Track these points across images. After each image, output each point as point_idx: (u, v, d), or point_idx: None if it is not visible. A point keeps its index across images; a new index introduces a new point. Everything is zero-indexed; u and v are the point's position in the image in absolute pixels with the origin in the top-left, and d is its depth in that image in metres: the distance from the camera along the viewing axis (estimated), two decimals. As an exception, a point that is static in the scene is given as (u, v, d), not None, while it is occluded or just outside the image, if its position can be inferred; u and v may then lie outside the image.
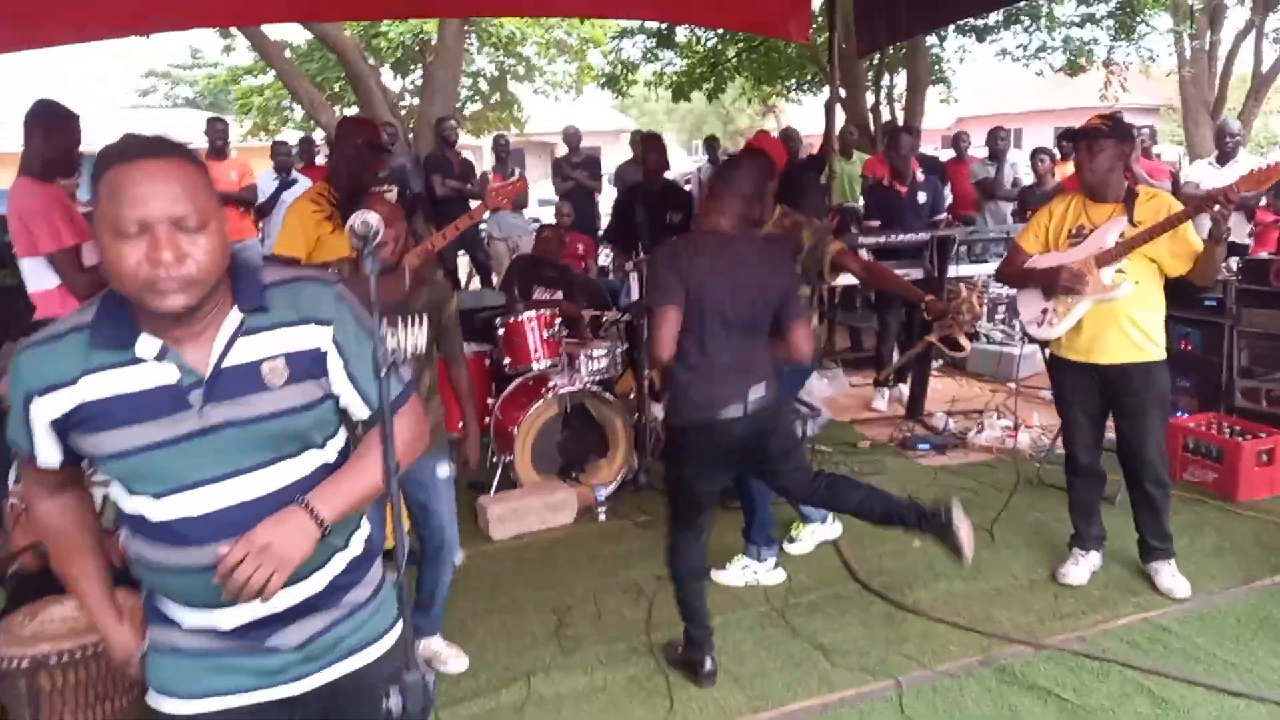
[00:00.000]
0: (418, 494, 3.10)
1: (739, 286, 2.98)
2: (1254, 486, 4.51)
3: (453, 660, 3.33)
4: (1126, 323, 3.51)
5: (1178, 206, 3.46)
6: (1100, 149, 3.49)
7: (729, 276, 2.97)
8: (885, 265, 4.05)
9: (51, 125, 3.58)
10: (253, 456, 1.48)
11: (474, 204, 8.13)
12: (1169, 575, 3.70)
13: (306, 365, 1.51)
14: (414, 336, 3.06)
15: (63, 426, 1.45)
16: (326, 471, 1.57)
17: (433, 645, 3.38)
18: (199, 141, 7.68)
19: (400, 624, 1.62)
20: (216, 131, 7.51)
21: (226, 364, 1.46)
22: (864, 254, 6.01)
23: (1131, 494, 3.76)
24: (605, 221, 10.41)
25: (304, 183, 7.66)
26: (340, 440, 1.63)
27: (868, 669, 3.21)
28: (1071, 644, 3.33)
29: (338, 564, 1.61)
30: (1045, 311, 3.69)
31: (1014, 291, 3.93)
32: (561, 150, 9.37)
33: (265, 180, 7.70)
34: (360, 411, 1.60)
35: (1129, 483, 3.75)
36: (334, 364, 1.54)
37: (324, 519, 1.49)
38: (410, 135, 9.04)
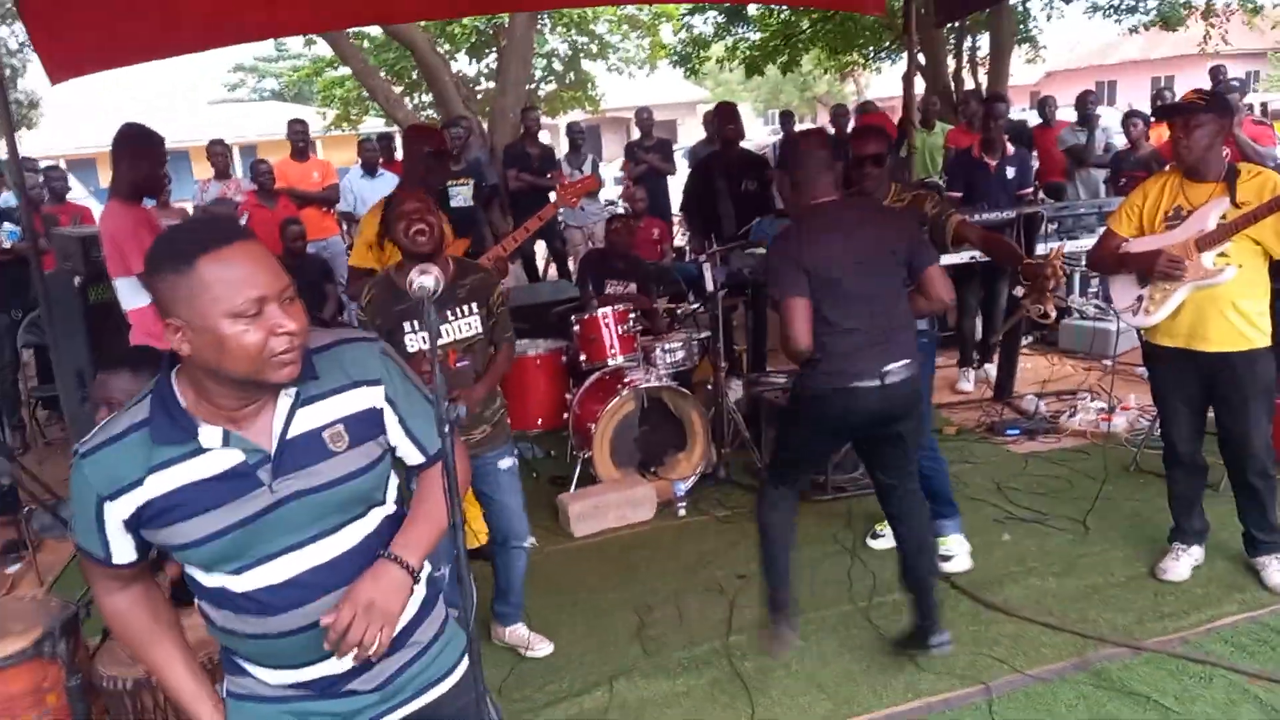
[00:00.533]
0: (482, 485, 3.29)
1: (859, 251, 2.95)
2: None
3: (539, 645, 3.46)
4: (1229, 309, 3.32)
5: None
6: (1197, 124, 3.28)
7: (846, 246, 2.94)
8: (1002, 235, 3.90)
9: (137, 149, 3.70)
10: (326, 521, 1.53)
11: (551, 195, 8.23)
12: (1276, 571, 3.52)
13: (365, 427, 1.56)
14: (462, 325, 3.15)
15: (135, 524, 1.49)
16: (391, 522, 1.63)
17: (518, 632, 3.49)
18: (280, 136, 7.89)
19: (464, 662, 1.72)
20: (297, 133, 7.69)
21: (290, 435, 1.50)
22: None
23: (1235, 486, 3.58)
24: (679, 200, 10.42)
25: (386, 176, 7.82)
26: (395, 488, 1.67)
27: (956, 673, 3.14)
28: (1173, 646, 3.20)
29: (410, 608, 1.64)
30: (1141, 299, 3.51)
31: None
32: (636, 132, 9.31)
33: (354, 177, 7.86)
34: (415, 459, 1.67)
35: (1231, 475, 3.57)
36: (390, 420, 1.60)
37: (414, 567, 1.56)
38: (485, 126, 9.09)
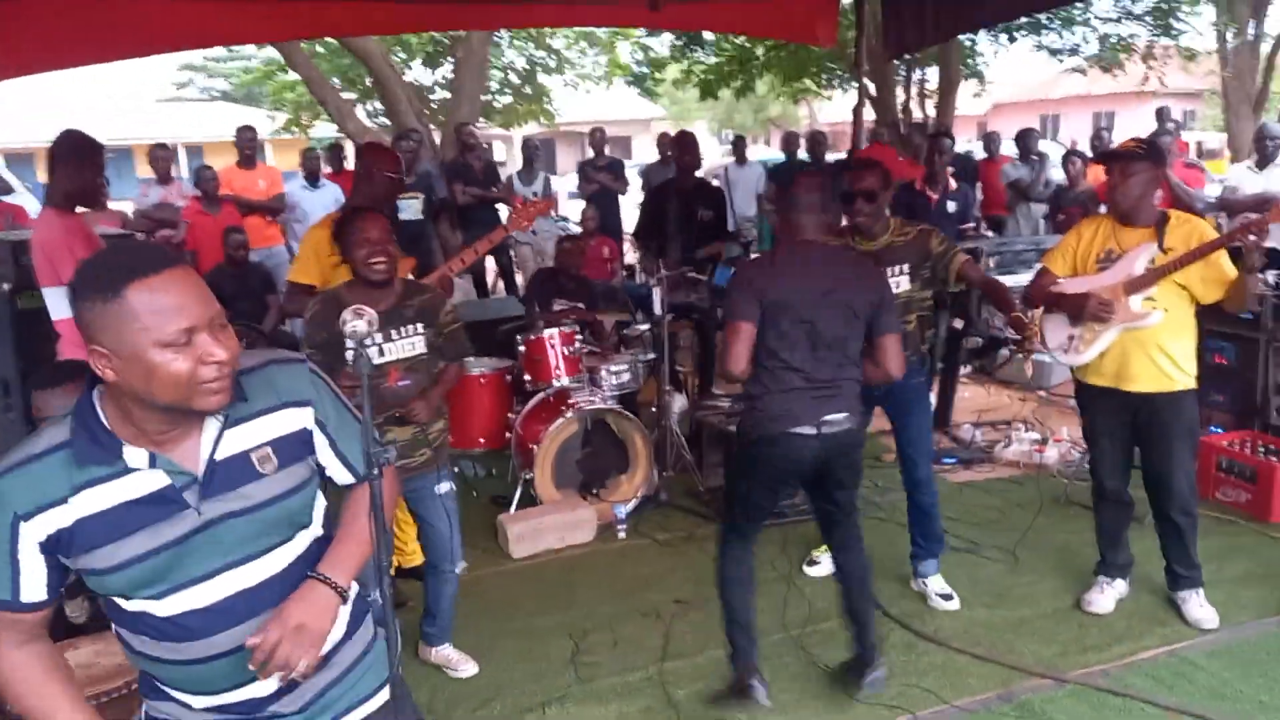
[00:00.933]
0: (417, 508, 3.30)
1: (821, 297, 2.96)
2: (1289, 508, 4.40)
3: (463, 666, 3.47)
4: (1155, 351, 3.43)
5: (1210, 234, 3.39)
6: (1134, 172, 3.40)
7: (809, 287, 2.96)
8: (1000, 283, 3.98)
9: (75, 158, 3.62)
10: (254, 544, 1.51)
11: (501, 208, 8.19)
12: (1196, 605, 3.63)
13: (293, 448, 1.56)
14: (405, 345, 3.16)
15: (54, 548, 1.43)
16: (318, 544, 1.63)
17: (443, 652, 3.50)
18: (229, 137, 7.77)
19: (385, 690, 1.72)
20: (245, 140, 7.57)
21: (219, 457, 1.48)
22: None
23: (1158, 522, 3.69)
24: (633, 221, 10.47)
25: (329, 187, 7.73)
26: (321, 511, 1.66)
27: (886, 702, 3.18)
28: (1095, 679, 3.28)
29: (336, 629, 1.63)
30: (1072, 338, 3.61)
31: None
32: (591, 152, 9.34)
33: (294, 185, 7.76)
34: (345, 479, 1.68)
35: (1155, 511, 3.68)
36: (320, 441, 1.61)
37: (342, 588, 1.56)
38: (438, 139, 9.05)
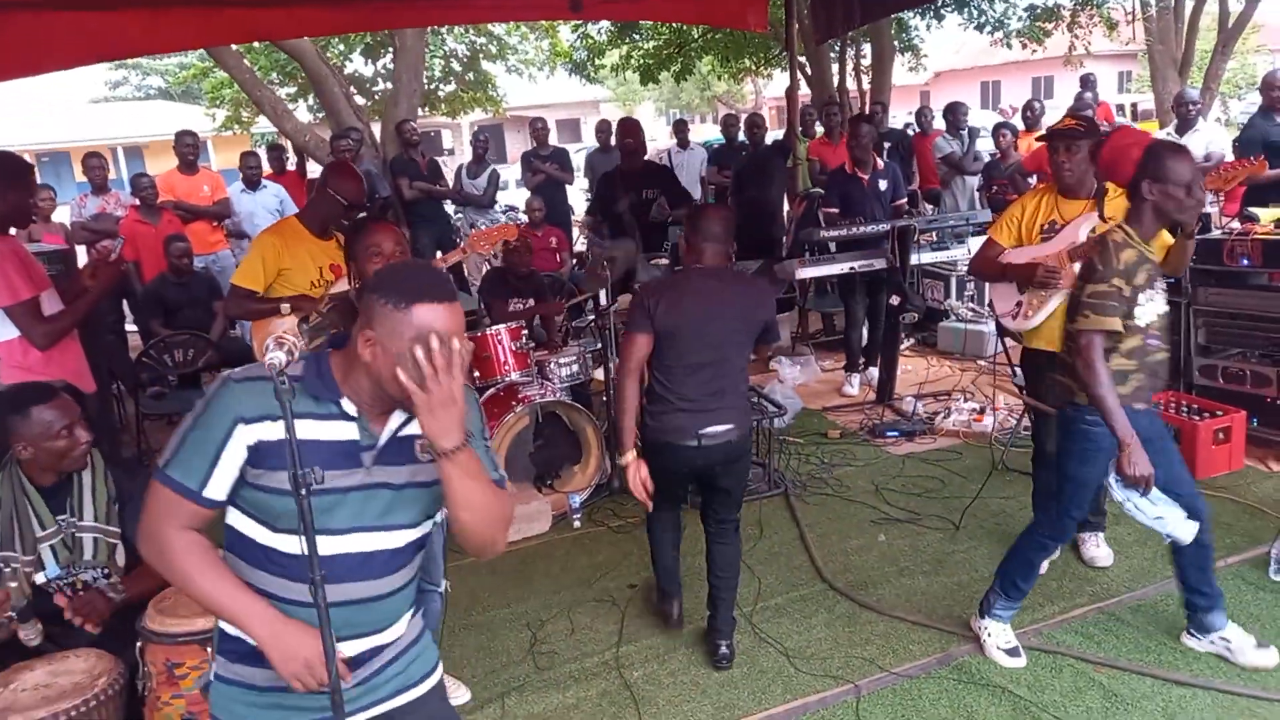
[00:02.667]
0: None
1: (708, 319, 3.22)
2: (1211, 465, 4.62)
3: (457, 692, 3.33)
4: None
5: None
6: (1077, 150, 3.62)
7: (697, 310, 3.22)
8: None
9: (4, 180, 3.59)
10: (387, 517, 1.73)
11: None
12: (1093, 545, 3.92)
13: None
14: None
15: (254, 456, 1.64)
16: (415, 549, 1.82)
17: None
18: (170, 136, 7.67)
19: (439, 666, 1.94)
20: (186, 145, 7.48)
21: (400, 434, 1.72)
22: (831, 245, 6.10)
23: None
24: (578, 210, 10.51)
25: (269, 188, 7.69)
26: (429, 522, 1.84)
27: (830, 673, 3.32)
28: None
29: (400, 608, 1.84)
30: (1020, 304, 3.83)
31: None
32: (532, 143, 9.35)
33: (234, 191, 7.71)
34: None
35: None
36: None
37: (459, 446, 1.63)
38: (379, 136, 9.00)
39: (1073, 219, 3.67)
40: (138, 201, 6.98)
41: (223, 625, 1.77)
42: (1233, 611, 3.40)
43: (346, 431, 1.68)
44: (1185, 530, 3.03)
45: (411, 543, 1.79)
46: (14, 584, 2.44)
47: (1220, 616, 3.27)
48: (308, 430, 1.64)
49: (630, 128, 6.47)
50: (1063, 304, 3.61)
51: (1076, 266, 3.59)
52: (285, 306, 3.67)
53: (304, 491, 1.46)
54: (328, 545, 1.66)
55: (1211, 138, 6.83)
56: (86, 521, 2.69)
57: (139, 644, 2.49)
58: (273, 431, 1.63)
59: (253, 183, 7.62)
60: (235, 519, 1.72)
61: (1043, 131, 3.90)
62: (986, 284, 4.71)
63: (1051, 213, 3.74)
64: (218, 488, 1.66)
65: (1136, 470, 2.92)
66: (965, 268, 6.79)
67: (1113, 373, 2.98)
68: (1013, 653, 3.32)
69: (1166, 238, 3.52)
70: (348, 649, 1.74)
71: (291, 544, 1.67)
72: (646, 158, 7.12)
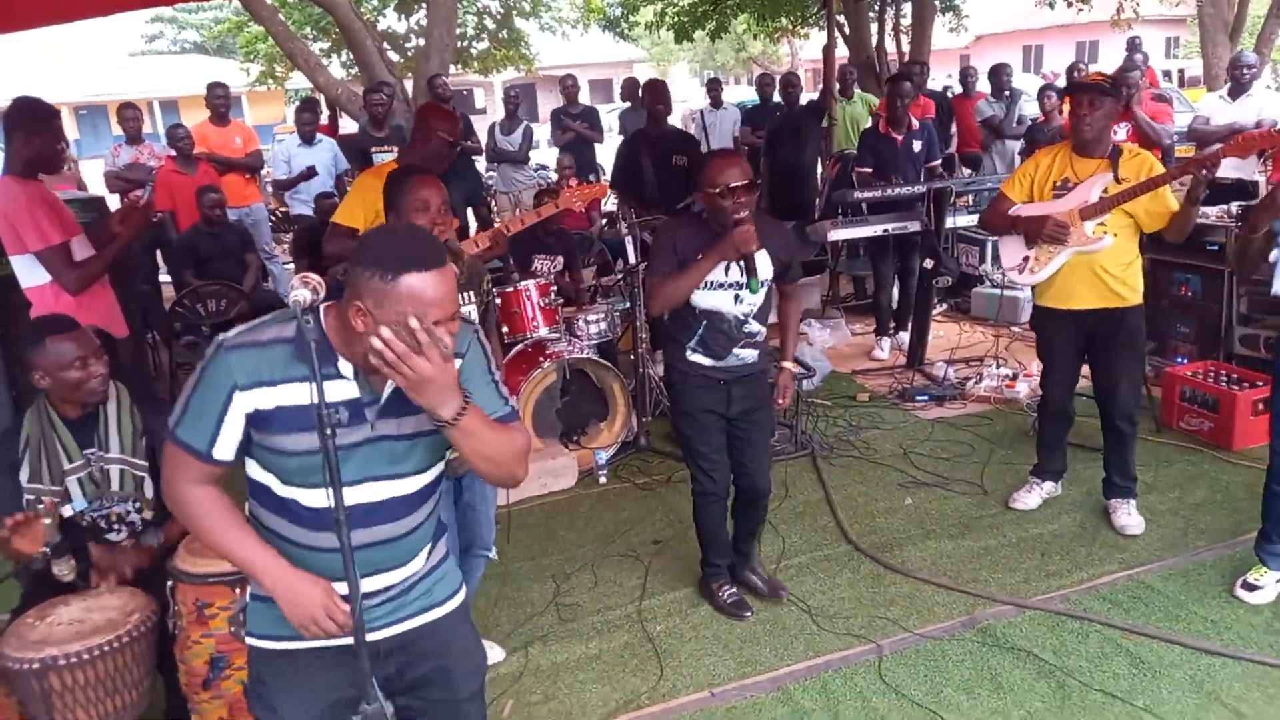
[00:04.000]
0: (465, 492, 3.16)
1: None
2: (1249, 435, 4.52)
3: (491, 652, 3.27)
4: (1103, 272, 3.66)
5: (1158, 168, 3.58)
6: (1100, 105, 3.58)
7: None
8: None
9: (31, 125, 3.61)
10: (395, 466, 1.75)
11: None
12: (1124, 513, 3.88)
13: None
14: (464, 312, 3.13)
15: (252, 421, 1.66)
16: (431, 490, 1.85)
17: None
18: (204, 91, 7.68)
19: (463, 589, 1.98)
20: (218, 98, 7.49)
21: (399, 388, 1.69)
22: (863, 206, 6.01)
23: (1104, 431, 3.93)
24: (608, 170, 10.43)
25: (325, 143, 7.72)
26: (441, 465, 1.87)
27: (853, 632, 3.31)
28: (1054, 604, 3.41)
29: (426, 531, 1.90)
30: (1026, 259, 3.82)
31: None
32: (562, 100, 9.27)
33: (291, 145, 7.73)
34: None
35: (1102, 420, 3.92)
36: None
37: (465, 409, 1.67)
38: (410, 91, 8.95)
39: (1086, 178, 3.64)
40: (173, 152, 7.01)
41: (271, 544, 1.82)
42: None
43: (348, 390, 1.69)
44: None
45: (425, 486, 1.83)
46: (47, 520, 2.47)
47: None
48: (309, 393, 1.64)
49: (658, 91, 6.32)
50: (1070, 260, 3.66)
51: (1087, 226, 3.59)
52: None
53: (329, 432, 1.46)
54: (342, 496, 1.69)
55: (1264, 104, 6.64)
56: (113, 454, 2.72)
57: (170, 583, 2.53)
58: (268, 398, 1.65)
59: (309, 137, 7.63)
60: (253, 470, 1.77)
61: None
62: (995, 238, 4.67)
63: (1065, 170, 3.71)
64: (225, 448, 1.69)
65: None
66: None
67: None
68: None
69: (1172, 203, 3.53)
70: (369, 584, 1.78)
71: (307, 496, 1.72)
72: (679, 118, 7.02)
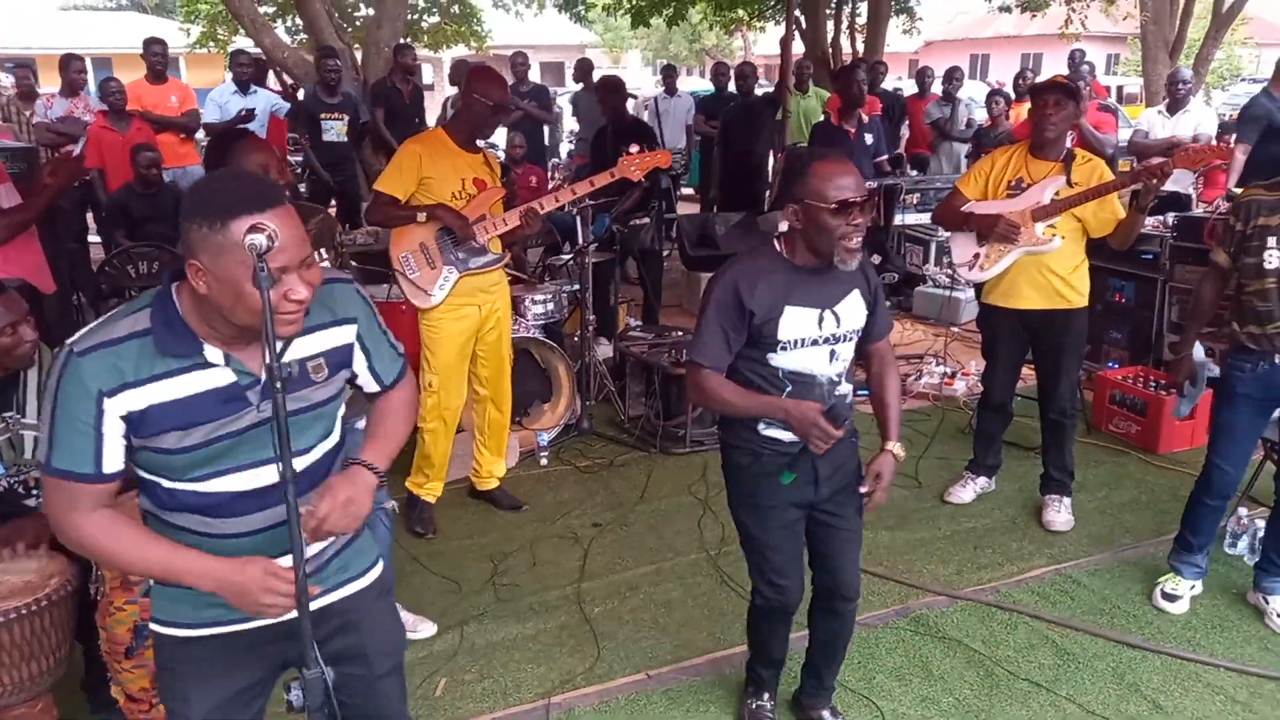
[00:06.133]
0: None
1: None
2: (1175, 439, 4.67)
3: (421, 627, 3.28)
4: (1049, 274, 3.74)
5: (1109, 175, 3.68)
6: (1063, 107, 3.65)
7: None
8: None
9: None
10: (297, 441, 1.63)
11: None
12: (1055, 510, 4.00)
13: (339, 360, 1.73)
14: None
15: (129, 428, 1.54)
16: (335, 450, 1.79)
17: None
18: (139, 47, 7.40)
19: (380, 564, 1.91)
20: (155, 54, 7.21)
21: (283, 363, 1.58)
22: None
23: (1042, 426, 4.04)
24: (561, 149, 10.36)
25: (262, 93, 7.50)
26: (339, 421, 1.80)
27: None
28: (985, 595, 3.48)
29: None
30: (977, 256, 3.90)
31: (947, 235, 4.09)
32: (511, 78, 9.14)
33: (225, 91, 7.48)
34: (372, 388, 1.86)
35: (1041, 415, 4.03)
36: (358, 356, 1.78)
37: (380, 474, 1.75)
38: (360, 59, 8.74)
39: (1040, 179, 3.72)
40: (105, 107, 6.73)
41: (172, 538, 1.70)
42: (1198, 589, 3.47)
43: (222, 377, 1.58)
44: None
45: (325, 454, 1.76)
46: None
47: (1278, 584, 3.35)
48: (179, 388, 1.54)
49: (611, 86, 6.25)
50: (1019, 259, 3.74)
51: (1038, 227, 3.67)
52: (421, 216, 3.67)
53: (278, 385, 1.39)
54: (241, 482, 1.63)
55: (1201, 119, 6.86)
56: (29, 419, 2.61)
57: (93, 547, 2.42)
58: (138, 399, 1.52)
59: (243, 83, 7.39)
60: (140, 472, 1.65)
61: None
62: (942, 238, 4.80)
63: (1020, 170, 3.79)
64: (113, 459, 1.56)
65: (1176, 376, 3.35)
66: (945, 233, 6.79)
67: (1247, 309, 3.12)
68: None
69: (1119, 210, 3.63)
70: (283, 563, 1.66)
71: (205, 487, 1.62)
72: (632, 106, 6.98)
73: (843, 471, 2.51)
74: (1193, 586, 3.44)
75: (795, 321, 2.34)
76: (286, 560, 1.63)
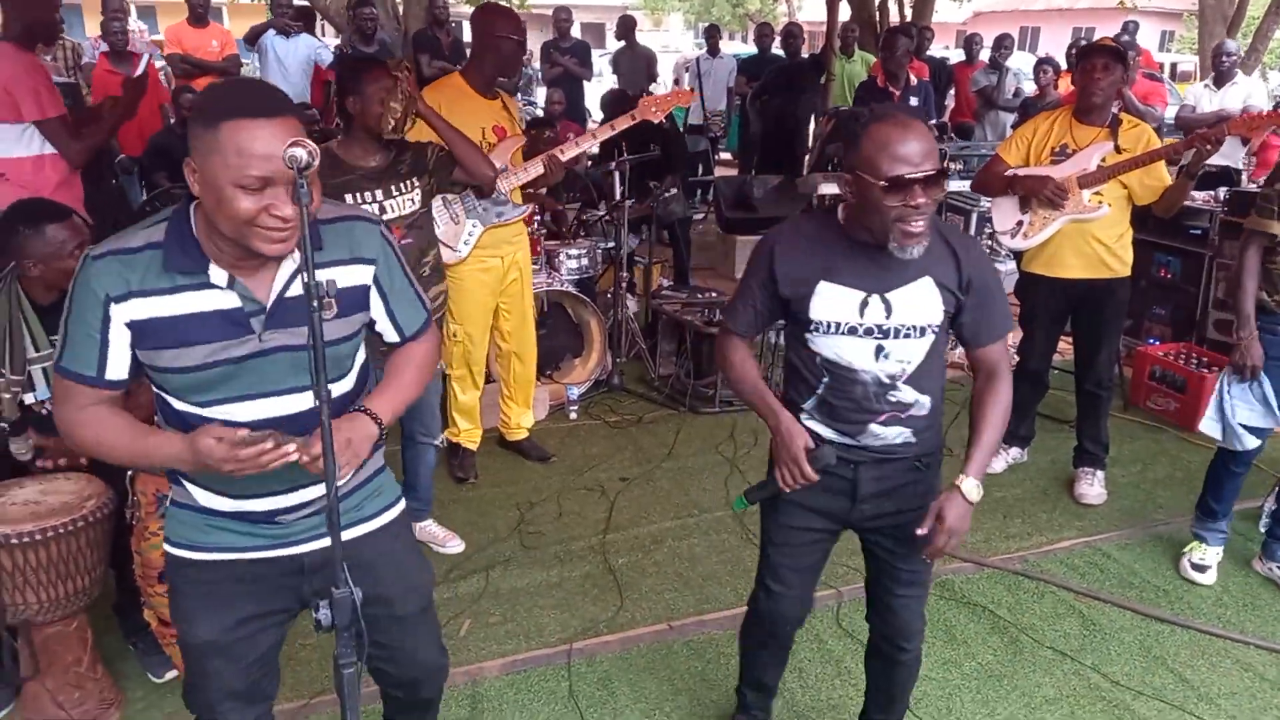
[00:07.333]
0: None
1: None
2: (1213, 418, 4.57)
3: (450, 543, 3.48)
4: (1094, 242, 3.65)
5: (1156, 140, 3.57)
6: (1113, 71, 3.54)
7: None
8: None
9: None
10: (298, 379, 1.61)
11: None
12: (1087, 483, 3.94)
13: (354, 300, 1.68)
14: (404, 201, 3.10)
15: (134, 338, 1.54)
16: (348, 398, 1.74)
17: (429, 529, 3.51)
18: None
19: (399, 504, 1.89)
20: (198, -1, 7.22)
21: (288, 295, 1.59)
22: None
23: (1078, 398, 3.97)
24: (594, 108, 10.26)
25: (304, 38, 7.49)
26: (358, 367, 1.77)
27: (814, 578, 3.32)
28: (1013, 564, 3.46)
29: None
30: (1020, 223, 3.80)
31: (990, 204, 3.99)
32: (553, 33, 9.07)
33: (270, 35, 7.44)
34: (392, 337, 1.81)
35: (1078, 387, 3.95)
36: (375, 300, 1.73)
37: (384, 425, 1.71)
38: (401, 8, 8.70)
39: (1085, 146, 3.62)
40: (106, 47, 6.55)
41: None
42: (1221, 557, 3.44)
43: (225, 300, 1.55)
44: (1241, 438, 3.23)
45: (342, 395, 1.72)
46: (6, 395, 2.39)
47: None
48: (181, 304, 1.53)
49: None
50: (1064, 227, 3.66)
51: (1084, 194, 3.59)
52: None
53: (315, 304, 1.38)
54: (241, 413, 1.59)
55: (1251, 91, 6.67)
56: None
57: (129, 473, 2.46)
58: (142, 309, 1.52)
59: (285, 30, 7.35)
60: (154, 388, 1.65)
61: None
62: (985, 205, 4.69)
63: (1065, 136, 3.68)
64: (117, 367, 1.56)
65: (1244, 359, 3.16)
66: (987, 201, 6.68)
67: (1278, 278, 3.09)
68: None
69: (1166, 177, 3.56)
70: (292, 499, 1.70)
71: (205, 412, 1.59)
72: (671, 65, 6.88)
73: (897, 496, 2.12)
74: (1218, 554, 3.41)
75: (831, 301, 1.98)
76: (293, 496, 1.66)
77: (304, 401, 1.63)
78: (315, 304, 1.37)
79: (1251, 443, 3.23)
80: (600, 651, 2.94)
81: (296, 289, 1.58)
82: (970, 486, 2.01)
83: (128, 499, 2.48)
